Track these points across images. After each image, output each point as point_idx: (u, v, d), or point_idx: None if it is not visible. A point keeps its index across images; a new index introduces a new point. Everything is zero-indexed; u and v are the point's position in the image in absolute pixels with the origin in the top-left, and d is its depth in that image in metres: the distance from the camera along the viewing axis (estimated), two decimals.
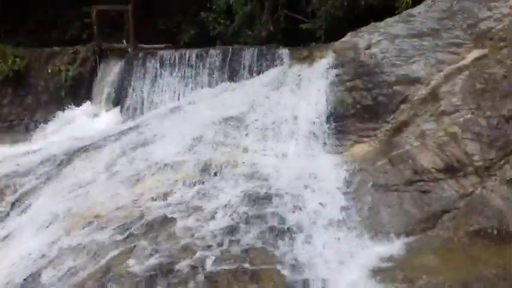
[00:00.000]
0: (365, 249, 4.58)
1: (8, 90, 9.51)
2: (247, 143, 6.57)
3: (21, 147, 8.27)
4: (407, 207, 4.98)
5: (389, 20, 7.20)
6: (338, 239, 4.66)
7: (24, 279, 4.81)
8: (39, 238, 5.50)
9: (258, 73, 8.18)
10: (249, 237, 4.77)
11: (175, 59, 8.81)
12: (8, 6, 10.43)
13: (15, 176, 6.94)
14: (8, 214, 6.25)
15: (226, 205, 5.38)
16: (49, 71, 9.49)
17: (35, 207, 6.24)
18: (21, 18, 10.53)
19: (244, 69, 8.38)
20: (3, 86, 9.47)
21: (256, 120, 6.88)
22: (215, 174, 6.00)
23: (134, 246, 4.84)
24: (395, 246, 4.60)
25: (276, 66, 7.99)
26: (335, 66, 6.70)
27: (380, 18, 7.39)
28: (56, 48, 9.74)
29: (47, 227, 5.70)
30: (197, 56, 8.63)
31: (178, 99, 8.47)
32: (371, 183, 5.25)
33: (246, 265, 4.31)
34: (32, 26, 10.77)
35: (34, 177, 6.80)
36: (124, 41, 10.13)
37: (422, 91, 5.88)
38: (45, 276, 4.79)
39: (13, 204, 6.39)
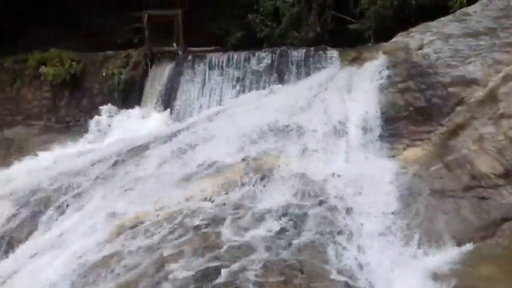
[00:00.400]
0: (420, 257, 4.44)
1: (65, 92, 9.94)
2: (296, 146, 6.54)
3: (76, 148, 8.60)
4: (464, 214, 4.79)
5: (442, 19, 6.99)
6: (391, 246, 4.55)
7: (79, 276, 4.99)
8: (93, 237, 5.70)
9: (306, 75, 8.16)
10: (298, 241, 4.72)
11: (223, 61, 8.92)
12: (62, 13, 10.91)
13: (72, 175, 7.23)
14: (63, 212, 6.51)
15: (275, 208, 5.36)
16: (103, 74, 9.85)
17: (90, 207, 6.47)
18: (74, 24, 11.00)
19: (292, 71, 8.37)
20: (61, 88, 9.91)
21: (305, 122, 6.85)
22: (264, 176, 6.01)
23: (185, 246, 4.92)
24: (451, 254, 4.44)
25: (324, 68, 7.94)
26: (386, 68, 6.57)
27: (430, 17, 7.20)
28: (110, 53, 10.10)
29: (101, 226, 5.90)
30: (245, 59, 8.70)
31: (226, 102, 8.56)
32: (426, 189, 5.09)
33: (296, 271, 4.27)
34: (84, 32, 11.22)
35: (89, 177, 7.05)
36: (174, 44, 10.35)
37: (479, 93, 5.65)
38: (99, 275, 4.95)
39: (70, 203, 6.65)
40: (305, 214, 5.14)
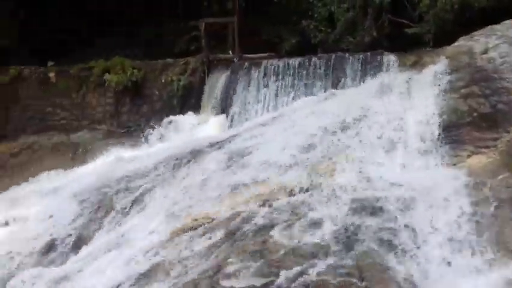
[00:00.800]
0: (486, 269, 4.27)
1: (126, 99, 10.39)
2: (353, 152, 6.47)
3: (137, 152, 8.95)
4: None
5: (506, 22, 6.72)
6: (457, 256, 4.40)
7: (140, 275, 5.18)
8: (154, 237, 5.90)
9: (363, 80, 8.06)
10: (357, 249, 4.66)
11: (278, 68, 9.00)
12: (122, 23, 11.44)
13: (132, 178, 7.52)
14: (127, 213, 6.80)
15: (333, 214, 5.33)
16: (162, 81, 10.21)
17: (151, 208, 6.72)
18: (132, 33, 11.50)
19: (348, 76, 8.31)
20: (123, 95, 10.36)
21: (362, 128, 6.77)
22: (321, 183, 5.98)
23: (243, 249, 4.99)
24: None
25: (381, 72, 7.82)
26: (448, 72, 6.39)
27: (492, 21, 6.93)
28: (169, 60, 10.46)
29: (162, 226, 6.10)
30: (300, 65, 8.73)
31: (282, 108, 8.61)
32: (492, 198, 4.89)
33: (355, 278, 4.23)
34: (142, 40, 11.69)
35: (150, 179, 7.32)
36: (230, 51, 10.56)
37: None
38: (160, 275, 5.11)
39: (132, 204, 6.93)
40: (363, 222, 5.06)
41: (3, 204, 7.82)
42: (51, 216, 7.04)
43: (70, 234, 6.69)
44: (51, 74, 11.00)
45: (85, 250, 6.31)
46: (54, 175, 8.66)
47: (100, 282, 5.18)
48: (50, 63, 11.18)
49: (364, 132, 6.61)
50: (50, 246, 6.61)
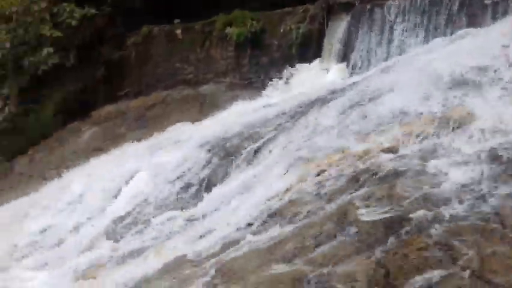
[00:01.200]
0: None
1: (246, 51, 10.57)
2: (491, 97, 5.86)
3: (258, 102, 9.14)
4: None
5: None
6: None
7: (267, 217, 5.37)
8: (278, 183, 6.05)
9: (504, 16, 7.15)
10: (495, 198, 4.28)
11: (404, 7, 8.35)
12: None
13: (255, 127, 7.74)
14: (252, 161, 7.05)
15: (464, 161, 4.95)
16: (281, 30, 10.15)
17: (274, 155, 6.88)
18: None
19: (486, 12, 7.42)
20: (243, 47, 10.56)
21: (501, 72, 6.06)
22: (452, 129, 5.56)
23: (368, 195, 4.88)
24: None
25: None
26: None
27: None
28: (287, 9, 10.33)
29: (284, 174, 6.22)
30: (430, 2, 7.99)
31: (408, 51, 8.06)
32: None
33: (496, 224, 3.89)
34: None
35: (272, 128, 7.46)
36: None
37: None
38: (285, 217, 5.25)
39: (256, 152, 7.16)
40: (500, 170, 4.61)
41: (143, 151, 8.63)
42: (183, 163, 7.60)
43: (201, 180, 7.17)
44: (178, 31, 11.61)
45: (215, 194, 6.73)
46: (185, 126, 9.26)
47: (231, 222, 5.50)
48: (176, 21, 11.74)
49: (503, 76, 5.91)
50: (184, 190, 7.17)
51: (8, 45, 11.42)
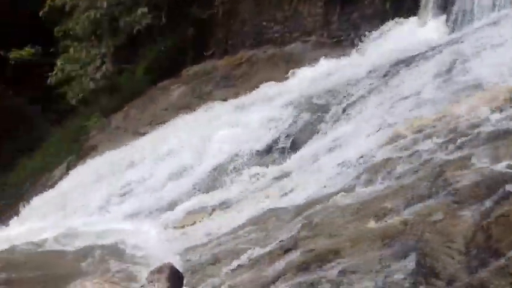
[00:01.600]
0: None
1: (336, 7, 10.19)
2: None
3: (347, 60, 8.83)
4: None
5: None
6: None
7: (359, 173, 5.22)
8: (368, 143, 5.86)
9: None
10: None
11: None
12: None
13: (346, 85, 7.52)
14: (341, 119, 6.89)
15: None
16: None
17: (365, 114, 6.66)
18: None
19: None
20: (333, 3, 10.18)
21: None
22: None
23: (468, 156, 4.57)
24: None
25: None
26: None
27: None
28: None
29: (377, 132, 6.01)
30: None
31: None
32: None
33: None
34: None
35: (362, 86, 7.20)
36: None
37: None
38: (379, 174, 5.07)
39: (344, 111, 6.98)
40: None
41: (230, 110, 8.78)
42: (270, 122, 7.62)
43: (288, 138, 7.16)
44: None
45: (301, 152, 6.70)
46: (271, 84, 9.24)
47: (317, 179, 5.46)
48: None
49: None
50: (270, 148, 7.22)
51: (105, 5, 11.97)
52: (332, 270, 3.36)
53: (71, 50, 13.17)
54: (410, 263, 3.07)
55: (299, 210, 4.98)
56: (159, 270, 2.63)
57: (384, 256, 3.22)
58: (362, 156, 5.50)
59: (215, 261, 4.31)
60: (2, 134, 15.19)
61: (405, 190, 4.38)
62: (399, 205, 4.14)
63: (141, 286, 2.63)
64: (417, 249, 3.22)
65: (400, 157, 5.07)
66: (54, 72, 13.19)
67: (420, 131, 5.45)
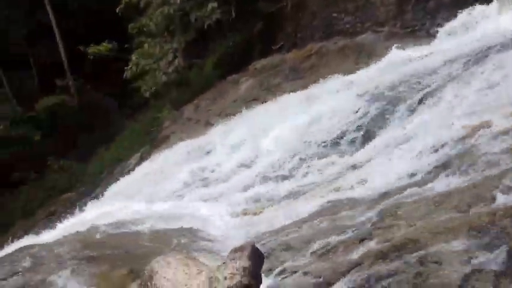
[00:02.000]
0: None
1: None
2: None
3: (423, 50, 8.50)
4: None
5: None
6: None
7: (434, 167, 5.02)
8: (444, 135, 5.60)
9: None
10: None
11: None
12: None
13: (421, 76, 7.24)
14: (415, 110, 6.65)
15: None
16: None
17: (441, 106, 6.39)
18: None
19: None
20: None
21: None
22: None
23: None
24: None
25: None
26: None
27: None
28: None
29: (453, 123, 5.75)
30: None
31: None
32: None
33: None
34: None
35: (439, 77, 6.91)
36: None
37: None
38: (454, 167, 4.85)
39: (420, 102, 6.73)
40: None
41: (300, 101, 8.75)
42: (341, 112, 7.50)
43: (358, 129, 7.02)
44: None
45: (372, 143, 6.55)
46: (342, 76, 9.09)
47: (391, 171, 5.31)
48: None
49: None
50: (340, 139, 7.11)
51: (178, 0, 12.34)
52: (412, 260, 3.27)
53: (146, 45, 13.71)
54: (501, 255, 2.92)
55: (373, 200, 4.88)
56: (241, 248, 2.68)
57: (471, 247, 3.08)
58: (439, 148, 5.28)
59: (287, 247, 4.31)
60: (82, 128, 16.23)
61: (490, 183, 4.16)
62: (483, 198, 3.94)
63: (223, 263, 2.69)
64: (507, 241, 3.05)
65: (481, 149, 4.82)
66: (129, 66, 13.80)
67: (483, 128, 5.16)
